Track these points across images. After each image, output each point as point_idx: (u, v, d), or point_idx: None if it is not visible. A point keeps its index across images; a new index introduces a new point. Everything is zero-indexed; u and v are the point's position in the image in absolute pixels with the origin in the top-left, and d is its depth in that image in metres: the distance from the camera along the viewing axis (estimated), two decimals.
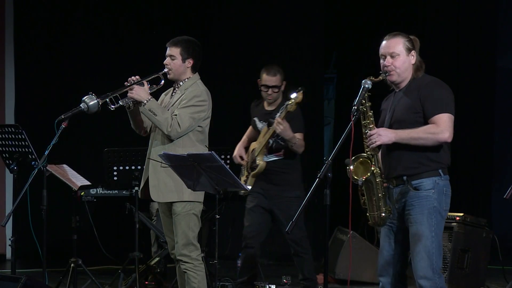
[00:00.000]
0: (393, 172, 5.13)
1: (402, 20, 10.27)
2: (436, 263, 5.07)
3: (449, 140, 5.01)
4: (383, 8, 10.28)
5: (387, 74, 5.17)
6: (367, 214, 5.21)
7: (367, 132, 5.08)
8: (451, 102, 5.08)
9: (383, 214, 5.14)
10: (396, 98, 5.23)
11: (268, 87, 6.98)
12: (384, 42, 5.24)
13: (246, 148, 7.12)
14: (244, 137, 7.20)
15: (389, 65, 5.17)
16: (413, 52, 5.18)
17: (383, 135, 5.02)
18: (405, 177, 5.09)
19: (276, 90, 6.99)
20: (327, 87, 11.07)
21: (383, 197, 5.11)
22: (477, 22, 9.75)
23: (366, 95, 5.13)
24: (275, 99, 7.03)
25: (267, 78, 6.99)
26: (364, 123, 5.11)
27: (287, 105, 6.72)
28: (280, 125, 6.67)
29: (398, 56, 5.16)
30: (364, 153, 5.09)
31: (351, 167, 5.07)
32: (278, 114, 6.77)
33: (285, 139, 6.76)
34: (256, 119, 7.10)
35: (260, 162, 6.86)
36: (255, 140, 7.05)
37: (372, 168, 5.06)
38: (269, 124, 6.87)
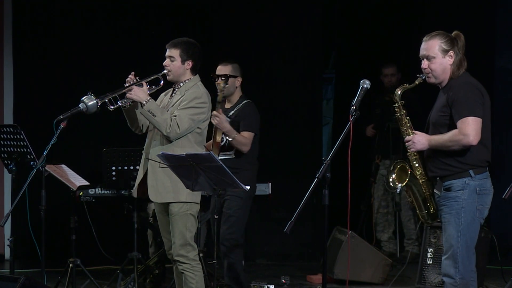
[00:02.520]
0: (429, 173, 5.33)
1: (401, 21, 10.28)
2: (462, 263, 5.17)
3: (474, 143, 5.12)
4: (381, 8, 10.28)
5: (423, 77, 5.31)
6: (417, 212, 5.47)
7: (405, 137, 5.32)
8: (476, 104, 5.16)
9: (432, 211, 5.36)
10: (438, 96, 5.37)
11: (218, 76, 6.83)
12: (422, 44, 5.31)
13: None
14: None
15: (426, 68, 5.28)
16: (450, 53, 5.25)
17: (417, 143, 5.25)
18: (438, 178, 5.28)
19: (224, 78, 6.80)
20: (326, 87, 11.07)
21: (430, 195, 5.34)
22: (475, 22, 9.74)
23: (400, 103, 5.35)
24: (226, 92, 6.82)
25: (218, 68, 6.86)
26: (402, 129, 5.36)
27: (217, 96, 6.61)
28: (216, 118, 6.51)
29: (434, 59, 5.25)
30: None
31: (393, 175, 5.38)
32: (232, 112, 6.78)
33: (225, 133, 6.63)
34: None
35: None
36: None
37: (418, 172, 5.33)
38: None
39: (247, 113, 6.83)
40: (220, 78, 6.83)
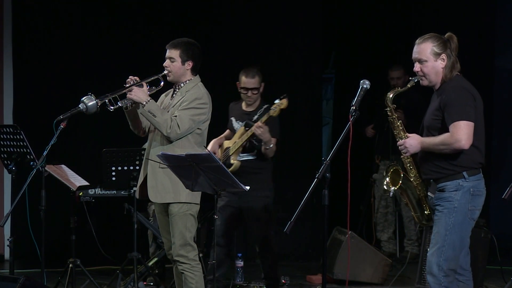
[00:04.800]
0: (423, 175, 5.36)
1: (400, 21, 10.28)
2: (446, 261, 5.21)
3: (466, 147, 5.13)
4: (381, 8, 10.28)
5: (416, 80, 5.34)
6: (412, 214, 5.52)
7: (398, 141, 5.35)
8: (468, 108, 5.16)
9: (426, 212, 5.40)
10: (432, 99, 5.38)
11: (247, 89, 7.05)
12: (414, 47, 5.32)
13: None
14: (222, 136, 7.27)
15: (418, 71, 5.29)
16: (443, 56, 5.24)
17: (409, 147, 5.27)
18: (431, 180, 5.30)
19: (255, 92, 7.09)
20: (326, 87, 11.06)
21: (424, 197, 5.37)
22: (475, 22, 9.75)
23: (391, 107, 5.39)
24: (254, 101, 7.11)
25: (246, 81, 7.08)
26: (395, 132, 5.40)
27: (270, 109, 6.84)
28: (260, 128, 6.77)
29: (426, 62, 5.25)
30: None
31: (387, 179, 5.40)
32: (256, 117, 6.95)
33: (262, 141, 6.85)
34: (233, 118, 7.19)
35: (235, 161, 6.96)
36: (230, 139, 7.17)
37: (412, 174, 5.37)
38: (246, 125, 6.96)
39: (274, 120, 6.98)
40: (250, 91, 7.06)
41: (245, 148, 7.00)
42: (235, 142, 7.00)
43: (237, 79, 7.15)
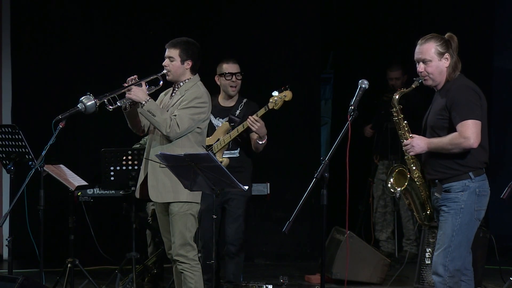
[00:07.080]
0: (428, 175, 5.34)
1: (399, 21, 10.28)
2: (452, 262, 5.20)
3: (475, 146, 5.13)
4: (379, 8, 10.29)
5: (420, 80, 5.33)
6: (414, 214, 5.51)
7: (403, 141, 5.32)
8: (475, 106, 5.18)
9: (428, 212, 5.40)
10: (434, 99, 5.38)
11: (232, 74, 6.91)
12: (417, 48, 5.32)
13: None
14: None
15: (422, 71, 5.29)
16: (446, 55, 5.26)
17: (416, 146, 5.25)
18: (436, 181, 5.28)
19: (240, 76, 6.95)
20: (324, 87, 11.06)
21: (427, 197, 5.37)
22: (474, 22, 9.75)
23: (398, 107, 5.38)
24: (238, 89, 6.97)
25: (229, 66, 6.94)
26: (400, 133, 5.37)
27: (269, 102, 6.73)
28: (257, 123, 6.67)
29: (430, 62, 5.26)
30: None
31: (392, 179, 5.38)
32: (238, 112, 6.82)
33: (259, 136, 6.75)
34: (211, 116, 6.86)
35: (223, 159, 6.83)
36: None
37: (415, 175, 5.36)
38: (231, 121, 6.84)
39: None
40: (235, 76, 6.92)
41: (228, 146, 6.87)
42: (218, 139, 6.84)
43: None
